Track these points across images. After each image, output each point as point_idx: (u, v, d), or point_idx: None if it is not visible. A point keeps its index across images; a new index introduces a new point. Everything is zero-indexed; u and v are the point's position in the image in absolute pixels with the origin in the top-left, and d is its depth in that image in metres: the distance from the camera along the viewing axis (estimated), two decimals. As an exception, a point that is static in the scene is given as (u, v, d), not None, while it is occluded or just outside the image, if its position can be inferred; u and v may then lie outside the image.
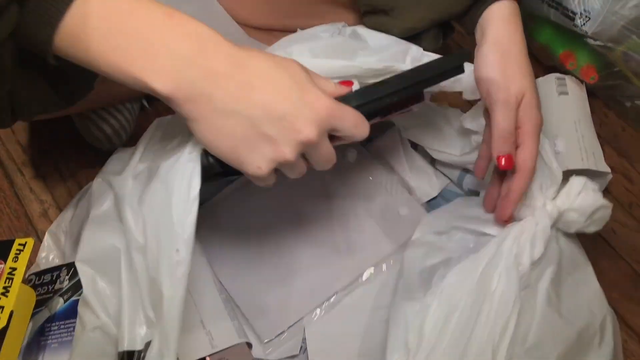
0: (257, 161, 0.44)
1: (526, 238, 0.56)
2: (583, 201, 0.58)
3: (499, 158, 0.55)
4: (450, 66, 0.53)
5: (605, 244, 0.82)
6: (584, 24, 0.82)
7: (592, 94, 0.91)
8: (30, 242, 0.62)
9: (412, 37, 0.67)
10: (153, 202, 0.49)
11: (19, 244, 0.62)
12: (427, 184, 0.76)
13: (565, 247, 0.59)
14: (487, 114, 0.58)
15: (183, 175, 0.47)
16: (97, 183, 0.61)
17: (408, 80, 0.51)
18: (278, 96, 0.43)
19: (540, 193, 0.59)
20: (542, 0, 0.86)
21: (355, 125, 0.47)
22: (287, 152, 0.44)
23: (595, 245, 0.81)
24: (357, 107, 0.48)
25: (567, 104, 0.85)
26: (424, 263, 0.59)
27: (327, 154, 0.47)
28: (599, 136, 0.89)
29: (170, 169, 0.49)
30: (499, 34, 0.57)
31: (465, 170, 0.75)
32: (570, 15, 0.83)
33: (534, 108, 0.56)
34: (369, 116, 0.49)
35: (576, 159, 0.79)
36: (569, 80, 0.88)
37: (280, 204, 0.72)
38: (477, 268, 0.55)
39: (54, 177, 0.80)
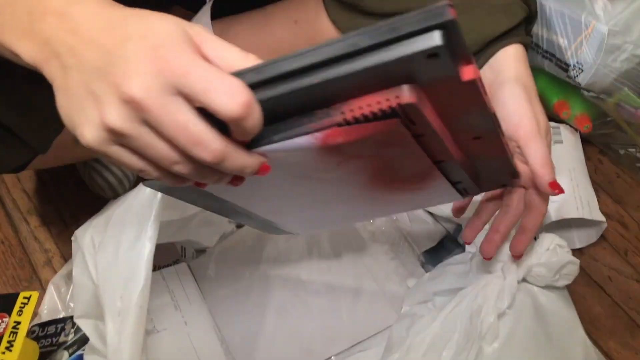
0: (82, 125, 0.34)
1: (492, 290, 0.58)
2: (551, 257, 0.60)
3: (552, 185, 0.53)
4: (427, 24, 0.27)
5: (601, 291, 0.82)
6: (577, 75, 0.84)
7: (587, 140, 0.93)
8: (34, 295, 0.64)
9: None
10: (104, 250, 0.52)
11: (24, 297, 0.64)
12: (426, 233, 0.77)
13: (544, 300, 0.61)
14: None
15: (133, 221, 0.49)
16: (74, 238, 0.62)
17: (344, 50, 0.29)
18: (113, 46, 0.33)
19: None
20: (536, 51, 0.88)
21: (222, 92, 0.32)
22: (108, 113, 0.33)
23: (591, 292, 0.82)
24: (255, 87, 0.32)
25: (561, 152, 0.87)
26: (408, 333, 0.60)
27: (174, 126, 0.33)
28: (594, 182, 0.91)
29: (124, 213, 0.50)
30: (519, 72, 0.58)
31: (461, 225, 0.76)
32: (563, 67, 0.85)
33: (550, 148, 0.57)
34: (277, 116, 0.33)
35: (571, 208, 0.80)
36: (564, 129, 0.90)
37: (285, 261, 0.74)
38: (439, 320, 0.57)
39: (58, 225, 0.81)
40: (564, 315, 0.61)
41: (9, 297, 0.63)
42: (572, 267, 0.60)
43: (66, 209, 0.83)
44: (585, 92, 0.85)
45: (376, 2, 0.71)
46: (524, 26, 0.63)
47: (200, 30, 0.35)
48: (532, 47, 0.88)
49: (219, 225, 0.75)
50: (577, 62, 0.83)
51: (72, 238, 0.60)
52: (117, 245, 0.53)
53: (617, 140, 0.90)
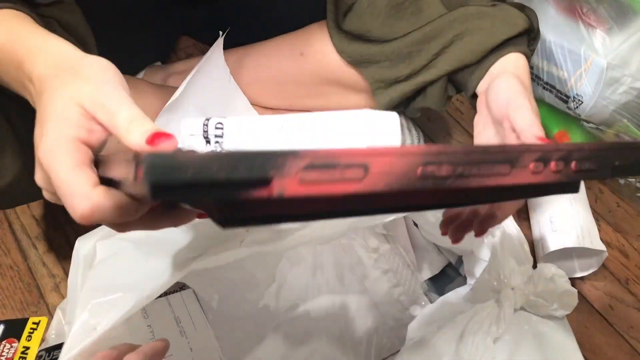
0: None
1: (488, 317, 0.59)
2: (549, 287, 0.61)
3: (541, 139, 0.50)
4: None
5: (602, 320, 0.83)
6: (577, 107, 0.86)
7: (587, 170, 0.94)
8: (43, 321, 0.65)
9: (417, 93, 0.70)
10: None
11: (33, 323, 0.65)
12: (429, 262, 0.78)
13: (543, 329, 0.61)
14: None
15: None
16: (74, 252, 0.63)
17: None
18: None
19: (511, 277, 0.62)
20: (537, 82, 0.90)
21: (69, 206, 0.37)
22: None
23: (592, 321, 0.83)
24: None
25: (562, 182, 0.88)
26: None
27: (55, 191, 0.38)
28: (595, 212, 0.92)
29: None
30: (518, 71, 0.60)
31: (462, 256, 0.77)
32: (564, 99, 0.87)
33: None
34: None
35: (572, 238, 0.81)
36: (564, 159, 0.91)
37: (290, 286, 0.74)
38: (432, 341, 0.58)
39: (66, 251, 0.82)
40: (563, 344, 0.62)
41: (18, 322, 0.64)
42: (571, 297, 0.61)
43: (73, 234, 0.84)
44: (585, 123, 0.87)
45: (380, 31, 0.73)
46: (525, 37, 0.64)
47: (96, 100, 0.38)
48: (534, 73, 0.90)
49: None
50: (576, 94, 0.85)
51: (75, 244, 0.61)
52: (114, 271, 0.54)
53: (616, 170, 0.92)
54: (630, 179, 0.92)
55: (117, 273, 0.57)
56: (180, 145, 0.36)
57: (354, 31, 0.75)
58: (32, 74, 0.42)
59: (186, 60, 0.96)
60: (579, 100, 0.85)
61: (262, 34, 0.88)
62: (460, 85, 0.68)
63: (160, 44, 0.96)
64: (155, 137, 0.36)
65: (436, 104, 0.71)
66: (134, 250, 0.58)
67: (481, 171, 0.30)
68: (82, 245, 0.61)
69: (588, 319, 0.83)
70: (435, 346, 0.56)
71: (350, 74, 0.78)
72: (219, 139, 0.51)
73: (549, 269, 0.63)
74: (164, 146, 0.35)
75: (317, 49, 0.82)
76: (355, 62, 0.75)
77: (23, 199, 0.61)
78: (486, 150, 0.30)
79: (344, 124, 0.61)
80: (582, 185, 0.90)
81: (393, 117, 0.59)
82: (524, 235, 0.88)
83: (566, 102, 0.87)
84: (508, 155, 0.31)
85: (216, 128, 0.52)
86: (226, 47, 0.84)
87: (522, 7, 0.67)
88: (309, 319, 0.73)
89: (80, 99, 0.38)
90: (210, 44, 0.98)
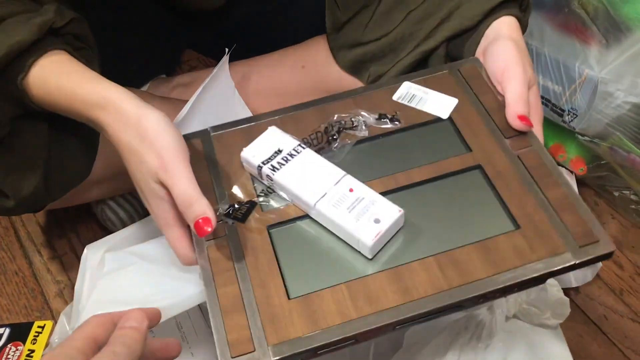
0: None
1: (480, 323, 0.60)
2: (541, 295, 0.62)
3: (520, 117, 0.56)
4: None
5: (597, 329, 0.84)
6: (571, 120, 0.88)
7: (583, 183, 0.96)
8: (48, 325, 0.66)
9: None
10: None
11: (38, 326, 0.66)
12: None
13: (536, 337, 0.62)
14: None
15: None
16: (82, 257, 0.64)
17: None
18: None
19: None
20: (532, 96, 0.92)
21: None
22: None
23: (587, 331, 0.84)
24: None
25: (558, 193, 0.90)
26: None
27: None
28: (590, 223, 0.93)
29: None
30: (512, 34, 0.63)
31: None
32: (559, 112, 0.89)
33: (539, 99, 0.61)
34: None
35: (567, 248, 0.83)
36: (560, 171, 0.93)
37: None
38: (426, 352, 0.58)
39: (70, 258, 0.84)
40: (556, 353, 0.63)
41: (23, 326, 0.65)
42: (563, 306, 0.62)
43: (78, 242, 0.86)
44: (580, 136, 0.88)
45: (371, 34, 0.75)
46: (517, 3, 0.66)
47: (162, 178, 0.50)
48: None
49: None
50: (571, 108, 0.87)
51: (84, 251, 0.62)
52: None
53: (611, 182, 0.93)
54: (624, 191, 0.94)
55: (125, 288, 0.57)
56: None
57: (351, 41, 0.77)
58: (107, 128, 0.53)
59: (190, 73, 0.97)
60: (573, 113, 0.87)
61: (265, 48, 0.90)
62: (458, 51, 0.69)
63: (165, 57, 0.98)
64: (200, 225, 0.49)
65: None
66: (143, 266, 0.59)
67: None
68: (91, 254, 0.61)
69: (583, 329, 0.84)
70: (427, 352, 0.57)
71: (349, 83, 0.80)
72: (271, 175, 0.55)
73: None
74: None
75: (317, 61, 0.83)
76: (355, 68, 0.77)
77: (36, 207, 0.63)
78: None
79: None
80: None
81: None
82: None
83: (561, 115, 0.89)
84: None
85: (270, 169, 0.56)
86: (230, 59, 0.86)
87: None
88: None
89: (153, 174, 0.50)
90: (214, 58, 1.00)
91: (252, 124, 0.61)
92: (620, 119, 0.85)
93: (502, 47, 0.61)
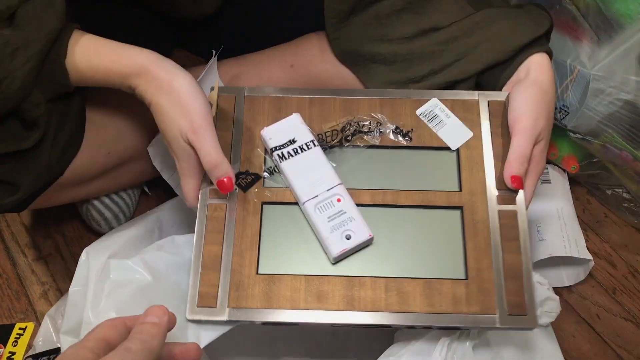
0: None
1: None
2: None
3: (513, 178, 0.58)
4: None
5: (589, 329, 0.83)
6: (563, 117, 0.87)
7: (576, 181, 0.95)
8: (30, 326, 0.65)
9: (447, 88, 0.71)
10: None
11: (19, 328, 0.65)
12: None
13: (527, 336, 0.62)
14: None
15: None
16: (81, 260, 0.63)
17: None
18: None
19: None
20: (524, 94, 0.91)
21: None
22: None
23: (579, 330, 0.83)
24: None
25: (550, 192, 0.89)
26: None
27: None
28: (583, 222, 0.92)
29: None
30: (540, 77, 0.64)
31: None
32: (550, 109, 0.88)
33: (544, 154, 0.62)
34: None
35: (559, 246, 0.82)
36: (552, 169, 0.92)
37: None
38: (416, 344, 0.58)
39: (55, 259, 0.82)
40: (547, 352, 0.62)
41: (4, 327, 0.64)
42: (553, 303, 0.61)
43: (63, 243, 0.84)
44: (572, 134, 0.87)
45: (381, 31, 0.73)
46: (546, 36, 0.68)
47: (191, 139, 0.56)
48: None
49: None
50: (563, 105, 0.86)
51: (83, 253, 0.62)
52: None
53: (604, 180, 0.92)
54: (617, 189, 0.93)
55: (133, 306, 0.57)
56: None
57: (356, 35, 0.75)
58: (144, 94, 0.59)
59: None
60: (565, 111, 0.86)
61: (255, 46, 0.89)
62: (494, 80, 0.69)
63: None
64: (224, 183, 0.57)
65: None
66: (151, 284, 0.59)
67: None
68: (93, 259, 0.61)
69: (575, 328, 0.84)
70: (416, 350, 0.56)
71: (341, 83, 0.79)
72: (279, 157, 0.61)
73: (530, 276, 0.63)
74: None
75: (306, 60, 0.82)
76: (353, 60, 0.75)
77: (29, 205, 0.64)
78: None
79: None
80: (571, 195, 0.91)
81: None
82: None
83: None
84: None
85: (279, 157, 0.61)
86: (219, 58, 0.84)
87: (540, 6, 0.70)
88: (300, 329, 0.73)
89: (184, 135, 0.56)
90: (204, 57, 0.98)
91: (283, 95, 0.65)
92: (612, 116, 0.84)
93: (523, 94, 0.62)
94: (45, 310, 0.75)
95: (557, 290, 0.85)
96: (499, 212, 0.59)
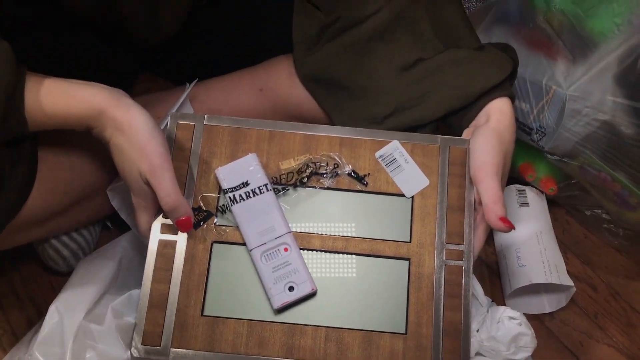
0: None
1: None
2: (500, 330, 0.62)
3: (503, 219, 0.58)
4: None
5: (572, 357, 0.81)
6: (540, 139, 0.84)
7: (554, 202, 0.93)
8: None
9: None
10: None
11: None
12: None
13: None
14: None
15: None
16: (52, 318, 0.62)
17: None
18: None
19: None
20: (499, 114, 0.89)
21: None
22: None
23: (562, 358, 0.81)
24: None
25: (528, 215, 0.87)
26: None
27: None
28: (562, 243, 0.90)
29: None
30: (501, 124, 0.64)
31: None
32: (527, 131, 0.86)
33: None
34: None
35: (539, 273, 0.80)
36: (529, 191, 0.90)
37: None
38: None
39: (10, 300, 0.78)
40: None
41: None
42: (527, 338, 0.60)
43: (20, 283, 0.80)
44: (549, 155, 0.85)
45: (344, 63, 0.71)
46: (509, 80, 0.68)
47: (148, 178, 0.56)
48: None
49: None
50: (539, 126, 0.84)
51: (54, 311, 0.63)
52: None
53: (583, 201, 0.90)
54: (596, 210, 0.91)
55: None
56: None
57: (321, 63, 0.73)
58: (101, 134, 0.58)
59: (142, 97, 0.92)
60: (541, 132, 0.84)
61: (222, 69, 0.86)
62: (451, 124, 0.69)
63: (113, 83, 0.93)
64: (183, 223, 0.58)
65: None
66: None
67: None
68: (67, 317, 0.63)
69: (557, 356, 0.81)
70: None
71: (310, 107, 0.76)
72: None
73: (501, 311, 0.62)
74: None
75: (276, 84, 0.79)
76: (315, 84, 0.73)
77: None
78: None
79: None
80: (549, 217, 0.89)
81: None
82: (492, 269, 0.86)
83: (529, 134, 0.86)
84: None
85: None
86: (184, 82, 0.81)
87: (505, 48, 0.69)
88: None
89: (143, 177, 0.56)
90: (170, 79, 0.95)
91: (243, 127, 0.63)
92: (589, 137, 0.82)
93: (481, 141, 0.62)
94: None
95: (538, 317, 0.83)
96: (446, 267, 0.59)
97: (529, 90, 0.85)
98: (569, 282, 0.80)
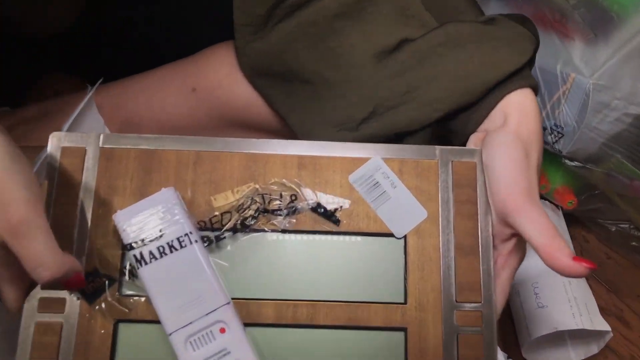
0: None
1: None
2: None
3: (576, 259, 0.41)
4: None
5: (610, 419, 0.64)
6: (556, 141, 0.68)
7: (569, 215, 0.77)
8: None
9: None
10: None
11: None
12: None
13: None
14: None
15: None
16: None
17: None
18: None
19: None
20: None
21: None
22: None
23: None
24: None
25: (543, 237, 0.71)
26: None
27: None
28: (581, 268, 0.74)
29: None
30: (523, 127, 0.48)
31: None
32: (538, 131, 0.69)
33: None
34: None
35: (566, 316, 0.63)
36: (544, 207, 0.74)
37: None
38: None
39: None
40: None
41: None
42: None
43: None
44: (568, 161, 0.71)
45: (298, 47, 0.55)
46: (529, 65, 0.52)
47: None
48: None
49: None
50: (554, 125, 0.69)
51: None
52: None
53: (606, 215, 0.76)
54: (622, 224, 0.75)
55: None
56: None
57: (271, 51, 0.57)
58: None
59: (42, 103, 0.74)
60: (558, 132, 0.69)
61: (144, 65, 0.70)
62: (461, 125, 0.53)
63: (7, 86, 0.76)
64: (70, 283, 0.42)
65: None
66: None
67: None
68: None
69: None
70: None
71: (259, 112, 0.62)
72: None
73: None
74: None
75: (213, 82, 0.64)
76: (261, 78, 0.59)
77: None
78: None
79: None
80: (568, 238, 0.73)
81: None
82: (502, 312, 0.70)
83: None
84: None
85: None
86: (110, 78, 0.68)
87: (523, 20, 0.53)
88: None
89: None
90: (85, 77, 0.78)
91: (157, 148, 0.46)
92: (619, 136, 0.68)
93: (506, 150, 0.46)
94: None
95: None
96: (459, 335, 0.43)
97: (539, 79, 0.69)
98: (605, 326, 0.63)
